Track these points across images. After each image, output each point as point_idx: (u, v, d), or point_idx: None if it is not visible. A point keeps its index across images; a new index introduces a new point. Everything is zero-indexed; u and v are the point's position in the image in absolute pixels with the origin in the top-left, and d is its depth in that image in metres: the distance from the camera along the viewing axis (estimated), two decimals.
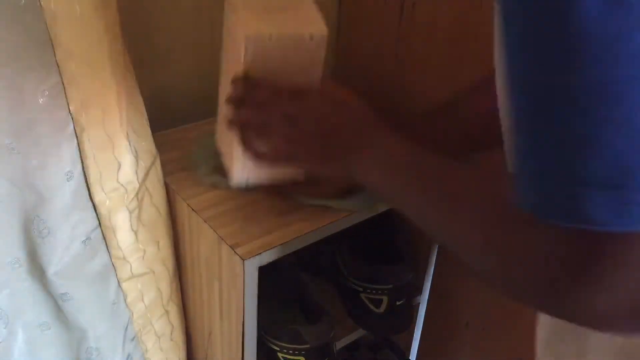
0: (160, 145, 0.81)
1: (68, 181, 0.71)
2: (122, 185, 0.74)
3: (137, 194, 0.76)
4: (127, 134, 0.73)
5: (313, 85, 0.66)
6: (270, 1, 0.64)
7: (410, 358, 1.11)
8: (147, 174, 0.77)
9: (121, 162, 0.73)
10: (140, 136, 0.76)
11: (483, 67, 0.90)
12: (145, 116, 0.77)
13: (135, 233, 0.79)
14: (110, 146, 0.71)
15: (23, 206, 0.70)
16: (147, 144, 0.77)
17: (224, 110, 0.71)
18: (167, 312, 0.88)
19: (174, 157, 0.87)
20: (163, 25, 0.93)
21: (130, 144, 0.74)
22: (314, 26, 0.61)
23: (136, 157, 0.75)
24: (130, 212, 0.77)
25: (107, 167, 0.72)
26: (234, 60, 0.66)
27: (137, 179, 0.76)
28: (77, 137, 0.69)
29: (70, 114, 0.67)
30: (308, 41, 0.60)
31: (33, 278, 0.75)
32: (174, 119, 0.99)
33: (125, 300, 0.83)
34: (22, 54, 0.62)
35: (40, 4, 0.60)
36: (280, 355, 0.83)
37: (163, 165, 0.81)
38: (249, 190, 0.76)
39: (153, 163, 0.78)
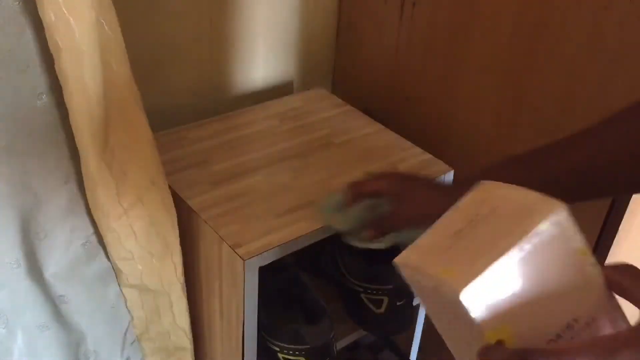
0: (160, 145, 0.81)
1: (65, 184, 0.71)
2: (117, 191, 0.73)
3: (125, 215, 0.75)
4: (122, 140, 0.71)
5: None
6: (451, 225, 0.41)
7: (410, 358, 1.11)
8: (141, 199, 0.75)
9: (115, 168, 0.72)
10: (138, 143, 0.74)
11: (482, 67, 0.90)
12: (147, 136, 0.75)
13: (131, 253, 0.78)
14: (103, 152, 0.70)
15: (21, 208, 0.70)
16: (147, 151, 0.75)
17: None
18: (168, 331, 0.87)
19: (174, 157, 0.87)
20: (164, 26, 0.92)
21: (111, 166, 0.71)
22: (540, 208, 0.37)
23: (117, 180, 0.73)
24: (128, 219, 0.76)
25: (102, 173, 0.71)
26: (461, 333, 0.40)
27: (134, 185, 0.74)
28: (74, 140, 0.69)
29: (68, 119, 0.67)
30: (548, 233, 0.36)
31: (32, 279, 0.74)
32: (174, 119, 0.99)
33: (125, 304, 0.83)
34: (19, 57, 0.62)
35: (36, 6, 0.60)
36: (280, 355, 0.83)
37: (163, 165, 0.80)
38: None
39: (152, 186, 0.76)
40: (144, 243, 0.77)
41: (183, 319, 0.87)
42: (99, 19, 0.63)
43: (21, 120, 0.65)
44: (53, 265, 0.74)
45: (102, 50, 0.65)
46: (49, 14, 0.59)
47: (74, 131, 0.67)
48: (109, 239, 0.75)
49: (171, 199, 0.77)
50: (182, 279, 0.83)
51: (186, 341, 0.89)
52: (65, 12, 0.59)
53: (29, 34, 0.61)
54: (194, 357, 0.93)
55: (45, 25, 0.60)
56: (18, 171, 0.67)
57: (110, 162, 0.70)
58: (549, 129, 0.83)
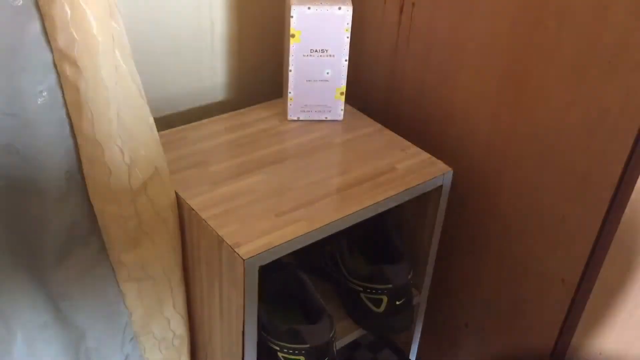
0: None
1: (67, 182, 0.71)
2: (114, 193, 0.73)
3: (133, 202, 0.75)
4: (120, 140, 0.71)
5: None
6: None
7: (410, 358, 1.11)
8: (146, 184, 0.76)
9: (112, 169, 0.72)
10: (138, 144, 0.74)
11: (482, 67, 0.90)
12: (150, 124, 0.75)
13: (134, 240, 0.78)
14: (100, 151, 0.70)
15: (20, 206, 0.70)
16: (148, 153, 0.75)
17: None
18: (167, 318, 0.88)
19: (174, 157, 0.87)
20: (165, 25, 0.93)
21: (122, 152, 0.72)
22: None
23: (129, 166, 0.73)
24: (126, 220, 0.76)
25: (100, 173, 0.71)
26: None
27: (131, 187, 0.74)
28: (74, 138, 0.69)
29: (68, 115, 0.67)
30: None
31: (32, 278, 0.74)
32: (174, 119, 0.99)
33: (124, 300, 0.83)
34: (19, 54, 0.62)
35: (37, 5, 0.60)
36: (280, 355, 0.83)
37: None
38: None
39: (156, 172, 0.77)
40: (147, 228, 0.78)
41: (181, 304, 0.88)
42: (109, 10, 0.65)
43: (22, 118, 0.65)
44: (54, 263, 0.74)
45: (113, 40, 0.66)
46: (63, 7, 0.60)
47: (85, 121, 0.67)
48: (115, 229, 0.76)
49: (171, 182, 0.79)
50: (180, 263, 0.84)
51: (184, 328, 0.90)
52: (82, 3, 0.61)
53: (29, 32, 0.62)
54: (190, 346, 0.93)
55: (56, 19, 0.61)
56: (18, 169, 0.67)
57: (122, 149, 0.71)
58: (549, 130, 0.84)
